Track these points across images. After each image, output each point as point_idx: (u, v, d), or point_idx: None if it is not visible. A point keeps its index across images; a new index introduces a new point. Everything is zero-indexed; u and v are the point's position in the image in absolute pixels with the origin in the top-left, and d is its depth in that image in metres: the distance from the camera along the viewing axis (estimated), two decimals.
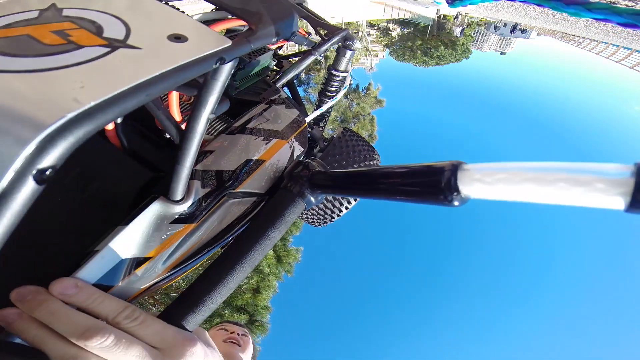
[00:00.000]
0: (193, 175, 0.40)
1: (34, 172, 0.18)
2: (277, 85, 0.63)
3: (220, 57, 0.30)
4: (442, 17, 25.97)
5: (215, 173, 0.42)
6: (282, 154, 0.51)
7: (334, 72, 0.79)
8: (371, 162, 0.73)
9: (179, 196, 0.37)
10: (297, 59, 0.68)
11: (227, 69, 0.32)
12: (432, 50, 24.78)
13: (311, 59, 0.65)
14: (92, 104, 0.20)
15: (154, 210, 0.36)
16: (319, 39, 0.67)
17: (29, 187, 0.19)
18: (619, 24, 0.29)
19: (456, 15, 25.69)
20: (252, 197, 0.47)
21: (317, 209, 0.68)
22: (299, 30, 0.61)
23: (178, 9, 0.35)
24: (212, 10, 0.57)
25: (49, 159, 0.19)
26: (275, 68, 0.73)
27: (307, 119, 0.66)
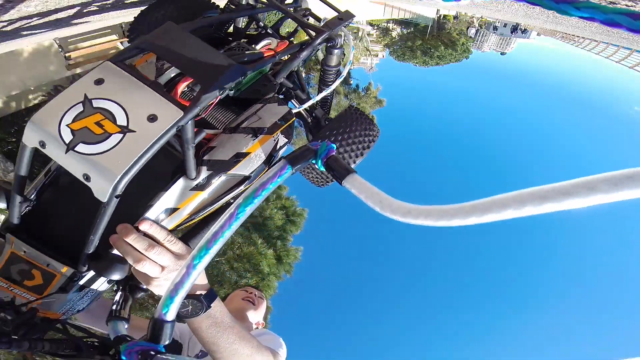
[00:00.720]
0: (202, 163, 0.65)
1: (115, 195, 0.50)
2: (276, 80, 0.76)
3: (178, 126, 0.52)
4: (442, 17, 25.99)
5: (215, 162, 0.65)
6: (266, 146, 0.70)
7: (325, 67, 0.90)
8: (370, 133, 0.85)
9: (193, 176, 0.63)
10: (289, 55, 0.80)
11: (188, 127, 0.54)
12: (432, 50, 24.79)
13: (299, 59, 0.77)
14: (124, 168, 0.48)
15: (180, 183, 0.64)
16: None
17: (114, 202, 0.52)
18: (603, 22, 0.29)
19: (455, 15, 25.71)
20: (239, 177, 0.70)
21: (318, 173, 0.84)
22: (268, 50, 0.76)
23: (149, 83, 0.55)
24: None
25: (119, 189, 0.50)
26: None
27: (309, 103, 0.85)
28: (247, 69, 0.60)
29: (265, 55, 0.70)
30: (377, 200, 0.41)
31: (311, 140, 0.81)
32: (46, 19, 1.39)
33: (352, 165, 0.75)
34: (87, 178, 0.50)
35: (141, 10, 0.94)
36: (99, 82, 0.52)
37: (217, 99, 0.56)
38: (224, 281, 6.13)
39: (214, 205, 0.71)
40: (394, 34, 25.74)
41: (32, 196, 0.65)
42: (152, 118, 0.50)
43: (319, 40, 0.78)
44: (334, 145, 0.52)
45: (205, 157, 0.64)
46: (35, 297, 0.65)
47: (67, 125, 0.49)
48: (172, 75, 0.65)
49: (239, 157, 0.65)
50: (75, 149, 0.48)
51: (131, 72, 0.53)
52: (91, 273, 0.66)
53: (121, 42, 4.95)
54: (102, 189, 0.49)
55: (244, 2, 0.91)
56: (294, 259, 6.48)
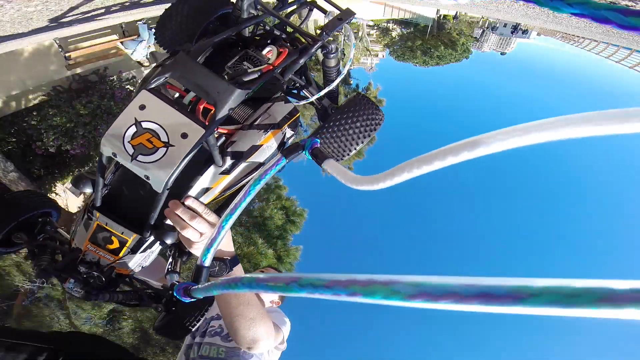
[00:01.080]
0: (226, 154, 0.82)
1: (166, 188, 0.73)
2: (284, 79, 0.90)
3: (202, 142, 0.70)
4: (442, 17, 25.97)
5: (236, 153, 0.83)
6: (276, 138, 0.88)
7: (325, 68, 1.01)
8: (375, 117, 0.93)
9: (220, 164, 0.82)
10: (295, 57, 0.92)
11: (210, 138, 0.72)
12: (432, 50, 24.78)
13: (298, 64, 0.89)
14: (170, 172, 0.69)
15: (211, 169, 0.82)
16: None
17: (166, 192, 0.75)
18: (593, 18, 0.28)
19: (455, 15, 25.69)
20: (256, 163, 0.87)
21: (334, 145, 0.94)
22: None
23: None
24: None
25: (168, 185, 0.72)
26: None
27: (314, 97, 1.00)
28: (248, 89, 0.75)
29: (264, 71, 0.82)
30: (343, 176, 0.53)
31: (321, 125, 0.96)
32: (46, 19, 1.39)
33: (360, 145, 0.92)
34: (147, 178, 0.72)
35: (162, 14, 1.05)
36: (142, 107, 0.71)
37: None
38: None
39: (238, 185, 0.91)
40: (393, 34, 25.74)
41: (108, 182, 0.87)
42: (184, 135, 0.70)
43: (313, 50, 0.90)
44: (318, 140, 0.66)
45: (229, 149, 0.84)
46: (114, 258, 0.90)
47: (128, 142, 0.70)
48: (193, 95, 0.82)
49: (254, 148, 0.85)
50: (137, 159, 0.70)
51: (162, 97, 0.71)
52: (151, 238, 0.89)
53: (121, 42, 4.94)
54: (158, 185, 0.72)
55: (245, 15, 0.98)
56: (294, 258, 6.48)
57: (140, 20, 4.34)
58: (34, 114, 5.68)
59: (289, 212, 7.42)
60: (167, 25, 1.00)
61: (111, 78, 6.00)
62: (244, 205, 0.55)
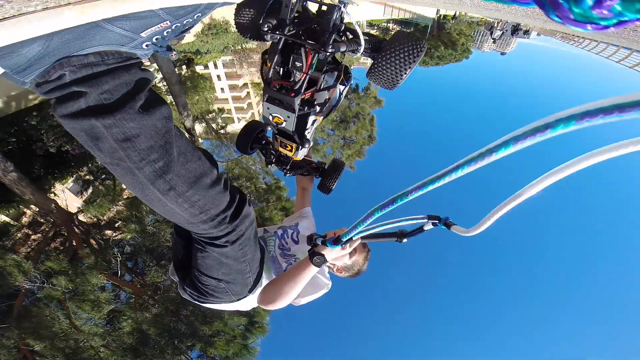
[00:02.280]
0: (313, 106, 1.07)
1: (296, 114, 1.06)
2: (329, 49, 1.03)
3: (295, 112, 1.07)
4: (442, 17, 25.98)
5: (318, 104, 1.10)
6: (337, 91, 1.15)
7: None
8: (417, 46, 0.98)
9: (317, 112, 1.11)
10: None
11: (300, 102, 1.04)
12: (431, 50, 24.78)
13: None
14: (293, 123, 1.10)
15: (312, 115, 1.12)
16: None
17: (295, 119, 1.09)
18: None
19: (454, 15, 25.70)
20: (329, 107, 1.17)
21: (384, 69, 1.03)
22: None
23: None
24: None
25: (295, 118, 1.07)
26: None
27: (362, 48, 1.06)
28: (300, 107, 1.04)
29: (305, 96, 1.07)
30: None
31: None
32: (45, 19, 1.40)
33: (410, 71, 1.00)
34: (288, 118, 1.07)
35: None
36: (268, 100, 1.04)
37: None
38: None
39: (324, 114, 1.19)
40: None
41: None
42: (291, 111, 1.02)
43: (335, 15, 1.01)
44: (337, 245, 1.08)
45: (315, 102, 1.10)
46: (291, 156, 1.31)
47: (273, 120, 1.08)
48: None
49: (327, 101, 1.12)
50: (278, 127, 1.12)
51: (274, 94, 1.01)
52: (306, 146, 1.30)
53: None
54: (290, 124, 1.08)
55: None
56: None
57: None
58: (34, 114, 5.70)
59: (289, 213, 7.41)
60: (245, 13, 1.10)
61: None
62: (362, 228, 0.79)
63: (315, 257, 1.15)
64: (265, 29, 0.96)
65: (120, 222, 6.85)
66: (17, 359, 5.39)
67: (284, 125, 1.09)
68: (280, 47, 1.02)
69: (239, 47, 13.32)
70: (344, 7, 0.96)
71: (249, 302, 1.26)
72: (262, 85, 1.05)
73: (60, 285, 5.41)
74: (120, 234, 7.07)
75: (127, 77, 0.65)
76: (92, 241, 6.73)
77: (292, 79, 1.04)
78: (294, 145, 1.24)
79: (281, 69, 1.03)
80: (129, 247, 6.66)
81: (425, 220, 0.91)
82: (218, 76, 29.17)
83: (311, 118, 1.15)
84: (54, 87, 0.61)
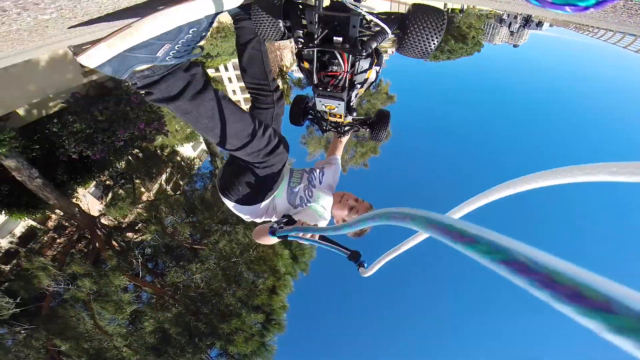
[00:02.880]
0: (356, 86, 1.24)
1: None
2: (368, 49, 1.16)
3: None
4: (449, 11, 25.57)
5: (359, 82, 1.25)
6: (374, 72, 1.30)
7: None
8: (442, 17, 1.02)
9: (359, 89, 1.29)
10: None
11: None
12: (441, 44, 24.43)
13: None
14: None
15: (349, 117, 1.48)
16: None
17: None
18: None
19: (462, 8, 25.23)
20: (368, 83, 1.33)
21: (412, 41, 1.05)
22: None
23: None
24: None
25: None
26: None
27: (390, 31, 1.09)
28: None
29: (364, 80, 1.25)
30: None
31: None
32: (61, 27, 1.45)
33: (437, 41, 1.04)
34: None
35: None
36: (320, 96, 1.23)
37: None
38: (242, 281, 6.24)
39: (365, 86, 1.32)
40: None
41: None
42: (341, 100, 1.20)
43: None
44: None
45: (356, 83, 1.23)
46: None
47: (326, 108, 1.24)
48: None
49: (365, 80, 1.23)
50: (331, 112, 1.28)
51: (324, 93, 1.21)
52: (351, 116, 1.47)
53: None
54: (340, 109, 1.26)
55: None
56: (310, 257, 6.53)
57: None
58: (55, 121, 5.90)
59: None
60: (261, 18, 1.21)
61: (126, 84, 6.19)
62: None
63: (270, 230, 1.26)
64: (301, 47, 1.08)
65: (140, 224, 7.04)
66: (45, 359, 5.58)
67: (335, 110, 1.28)
68: (316, 57, 1.12)
69: None
70: (359, 7, 1.00)
71: (242, 209, 1.59)
72: (307, 82, 1.23)
73: (85, 287, 5.59)
74: (141, 235, 7.27)
75: (172, 79, 0.96)
76: (114, 243, 6.95)
77: (335, 76, 1.19)
78: (343, 114, 1.35)
79: (320, 67, 1.16)
80: (149, 248, 6.84)
81: (348, 254, 0.96)
82: (229, 78, 29.48)
83: (354, 93, 1.29)
84: (135, 88, 0.97)
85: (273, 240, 1.24)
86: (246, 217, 1.62)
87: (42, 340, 5.51)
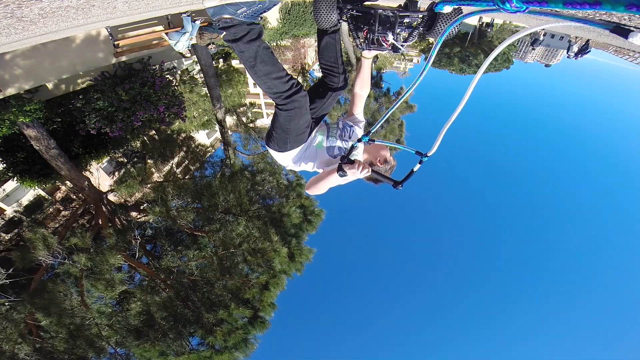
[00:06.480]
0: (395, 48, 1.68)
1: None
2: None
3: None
4: (483, 25, 24.94)
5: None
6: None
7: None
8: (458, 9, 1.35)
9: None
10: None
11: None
12: (470, 58, 23.85)
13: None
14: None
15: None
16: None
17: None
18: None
19: (490, 22, 24.54)
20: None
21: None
22: None
23: None
24: None
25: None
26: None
27: (420, 15, 1.52)
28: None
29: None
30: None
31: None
32: (106, 7, 1.58)
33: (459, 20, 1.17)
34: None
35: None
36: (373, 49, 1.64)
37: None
38: (235, 273, 6.20)
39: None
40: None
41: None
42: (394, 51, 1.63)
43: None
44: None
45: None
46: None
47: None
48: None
49: (398, 49, 1.60)
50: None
51: (376, 47, 1.61)
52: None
53: (166, 33, 5.03)
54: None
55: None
56: (306, 259, 6.43)
57: (184, 12, 4.43)
58: (80, 97, 6.03)
59: (307, 211, 7.38)
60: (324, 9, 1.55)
61: (153, 67, 6.26)
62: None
63: (339, 170, 1.50)
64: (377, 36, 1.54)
65: (146, 204, 7.10)
66: (22, 332, 5.48)
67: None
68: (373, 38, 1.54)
69: (274, 44, 13.49)
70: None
71: (277, 155, 1.90)
72: (363, 41, 1.58)
73: (80, 262, 5.61)
74: (145, 216, 7.33)
75: (240, 28, 1.48)
76: (117, 221, 7.03)
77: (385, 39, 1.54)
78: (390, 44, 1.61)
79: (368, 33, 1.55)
80: (151, 230, 6.89)
81: (392, 183, 1.38)
82: None
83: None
84: (218, 27, 1.50)
85: (331, 182, 1.66)
86: (296, 166, 1.92)
87: (24, 314, 5.49)
